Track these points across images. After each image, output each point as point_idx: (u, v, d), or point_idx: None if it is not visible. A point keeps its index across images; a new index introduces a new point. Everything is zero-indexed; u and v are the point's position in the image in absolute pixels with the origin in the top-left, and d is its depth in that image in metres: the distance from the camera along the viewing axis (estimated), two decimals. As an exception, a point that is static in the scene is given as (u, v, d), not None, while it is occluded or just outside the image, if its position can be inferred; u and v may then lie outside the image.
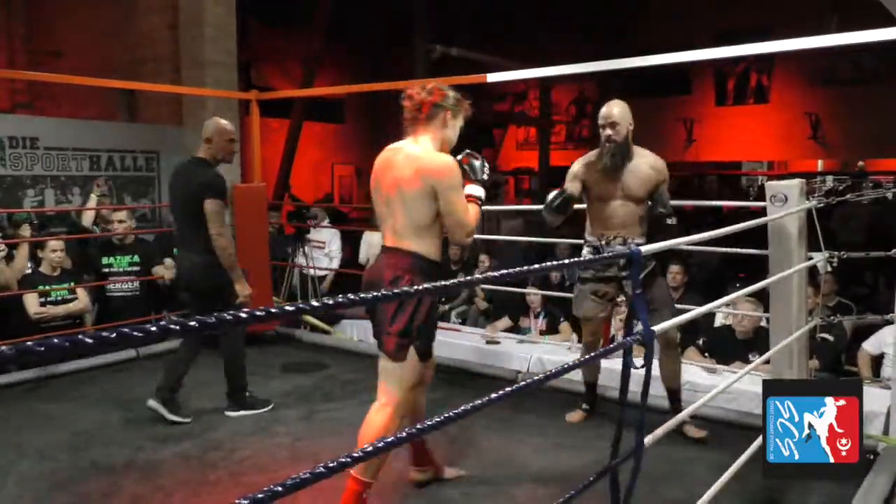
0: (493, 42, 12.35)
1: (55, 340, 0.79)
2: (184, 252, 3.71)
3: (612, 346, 2.17)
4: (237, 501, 0.87)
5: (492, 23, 13.44)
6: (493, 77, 4.62)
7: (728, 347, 4.43)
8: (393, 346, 2.47)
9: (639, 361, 1.76)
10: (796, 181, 3.12)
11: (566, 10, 13.11)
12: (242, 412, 3.74)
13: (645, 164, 3.31)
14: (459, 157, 2.63)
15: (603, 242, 3.36)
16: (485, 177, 2.65)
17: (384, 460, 2.47)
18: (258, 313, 0.95)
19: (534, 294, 5.37)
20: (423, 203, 2.45)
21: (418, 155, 2.49)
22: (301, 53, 11.49)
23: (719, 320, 4.91)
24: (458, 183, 2.48)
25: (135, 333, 0.83)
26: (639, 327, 1.79)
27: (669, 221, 3.22)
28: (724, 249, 4.66)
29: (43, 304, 4.65)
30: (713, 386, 3.38)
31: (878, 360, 4.27)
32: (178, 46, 6.41)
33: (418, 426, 1.18)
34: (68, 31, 8.64)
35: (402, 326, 2.45)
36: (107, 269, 5.06)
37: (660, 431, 1.89)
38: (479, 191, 2.60)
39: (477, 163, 2.66)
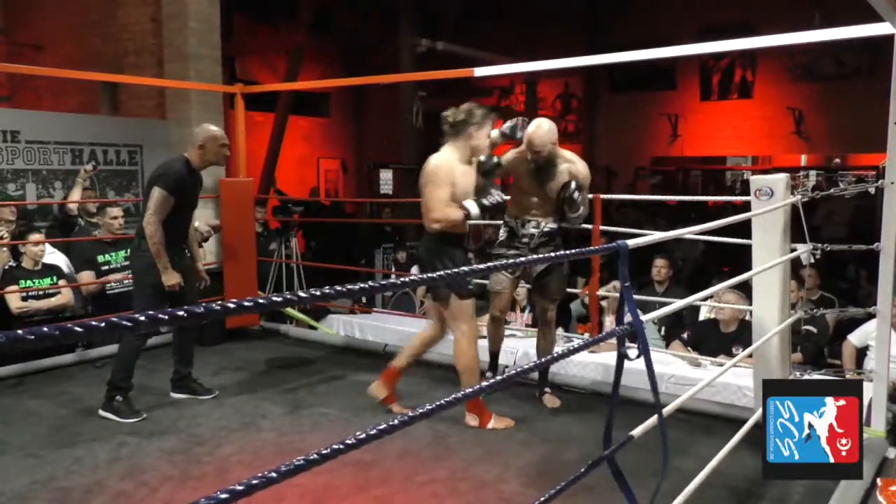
0: (478, 36, 12.33)
1: (45, 329, 0.80)
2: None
3: (602, 335, 2.17)
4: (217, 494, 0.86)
5: (478, 17, 13.42)
6: (480, 71, 4.62)
7: (712, 341, 4.46)
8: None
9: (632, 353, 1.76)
10: (782, 175, 3.14)
11: (552, 5, 13.11)
12: (109, 414, 3.59)
13: (565, 169, 3.68)
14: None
15: (518, 223, 3.80)
16: (518, 134, 3.64)
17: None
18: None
19: (519, 287, 5.35)
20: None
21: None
22: (286, 47, 11.42)
23: (704, 314, 4.94)
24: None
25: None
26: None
27: (572, 214, 3.60)
28: (709, 238, 4.73)
29: (24, 300, 4.60)
30: (698, 379, 3.40)
31: (861, 353, 4.30)
32: (161, 39, 6.34)
33: (410, 414, 1.18)
34: (49, 24, 8.53)
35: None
36: (105, 267, 4.99)
37: (650, 422, 1.90)
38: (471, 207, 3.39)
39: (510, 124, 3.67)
